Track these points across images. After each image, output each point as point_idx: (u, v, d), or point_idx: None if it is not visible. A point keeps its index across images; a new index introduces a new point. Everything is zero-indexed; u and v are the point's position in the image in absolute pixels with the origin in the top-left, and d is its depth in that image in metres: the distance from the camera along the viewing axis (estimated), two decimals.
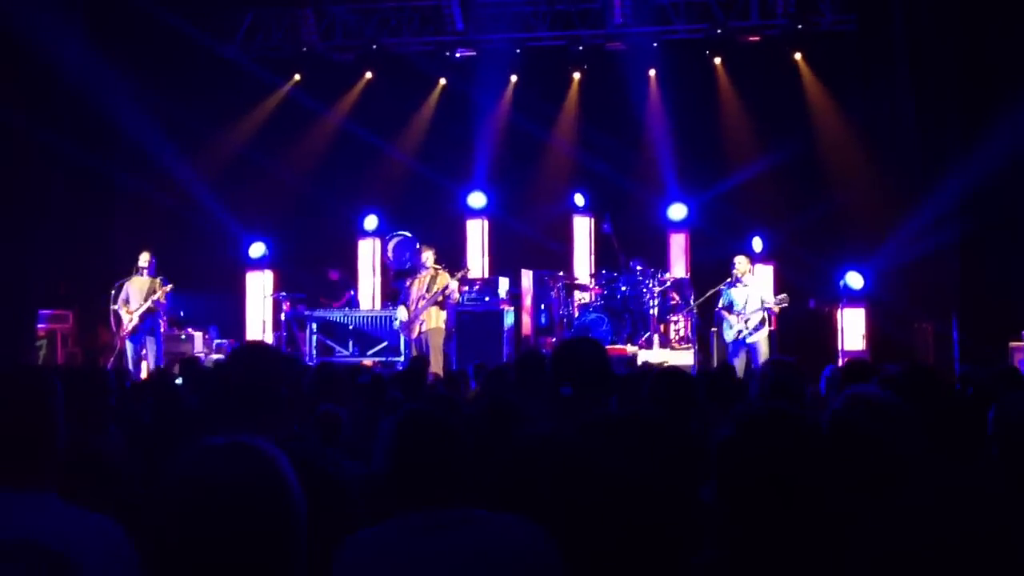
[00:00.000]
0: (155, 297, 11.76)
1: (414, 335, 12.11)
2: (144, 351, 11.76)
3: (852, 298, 13.23)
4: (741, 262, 11.92)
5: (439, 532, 2.49)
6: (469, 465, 2.63)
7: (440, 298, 12.06)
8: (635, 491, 2.47)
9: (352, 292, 14.94)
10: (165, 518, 1.71)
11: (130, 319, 11.77)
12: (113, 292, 11.96)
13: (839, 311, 13.25)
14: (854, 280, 13.19)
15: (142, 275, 11.89)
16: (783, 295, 11.96)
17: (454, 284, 12.18)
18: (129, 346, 11.86)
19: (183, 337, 13.37)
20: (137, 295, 11.86)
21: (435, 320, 12.08)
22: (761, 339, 11.62)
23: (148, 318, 11.82)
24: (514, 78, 16.13)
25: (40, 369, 2.64)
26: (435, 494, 2.56)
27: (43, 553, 2.17)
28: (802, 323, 13.35)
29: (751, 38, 15.15)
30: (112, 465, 3.46)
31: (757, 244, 13.93)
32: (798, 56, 15.18)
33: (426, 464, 2.58)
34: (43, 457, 2.37)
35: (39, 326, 13.31)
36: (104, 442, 3.80)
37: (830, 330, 13.30)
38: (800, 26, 14.64)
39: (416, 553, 2.46)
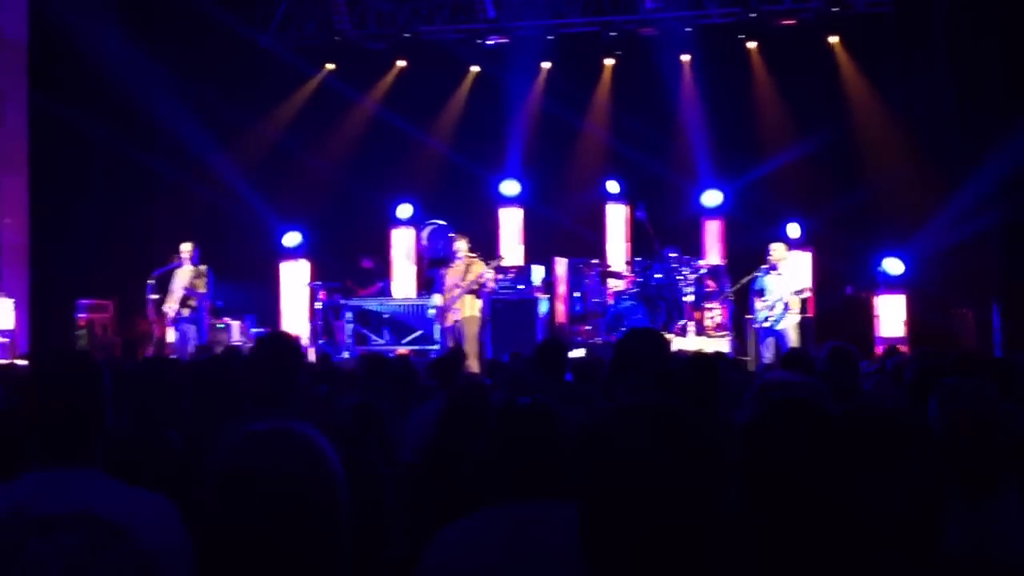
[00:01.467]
0: (194, 288, 11.86)
1: (449, 324, 12.11)
2: (188, 341, 11.87)
3: (890, 284, 13.10)
4: (777, 249, 11.80)
5: (531, 525, 2.49)
6: (566, 458, 2.62)
7: (475, 287, 12.05)
8: (659, 479, 2.45)
9: (385, 281, 14.99)
10: (210, 503, 1.73)
11: (172, 307, 11.89)
12: (153, 282, 12.07)
13: (877, 297, 13.12)
14: (893, 266, 13.05)
15: (185, 265, 12.00)
16: (804, 287, 11.74)
17: (490, 273, 12.16)
18: (174, 335, 11.99)
19: (220, 326, 13.48)
20: (179, 285, 11.98)
21: (470, 308, 12.06)
22: (790, 326, 11.45)
23: (187, 304, 11.93)
24: (547, 65, 16.08)
25: (87, 352, 2.74)
26: (533, 486, 2.56)
27: (101, 523, 2.23)
28: (839, 310, 13.24)
29: (785, 21, 15.00)
30: (174, 457, 3.54)
31: (794, 230, 13.81)
32: (834, 39, 15.02)
33: (527, 456, 2.57)
34: (93, 436, 2.47)
35: (79, 316, 13.49)
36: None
37: (868, 317, 13.18)
38: (835, 9, 14.48)
39: (507, 545, 2.46)
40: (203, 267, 12.02)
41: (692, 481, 2.14)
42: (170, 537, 2.30)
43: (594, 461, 2.28)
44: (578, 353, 11.57)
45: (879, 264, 13.19)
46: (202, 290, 11.93)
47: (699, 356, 4.43)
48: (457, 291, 11.99)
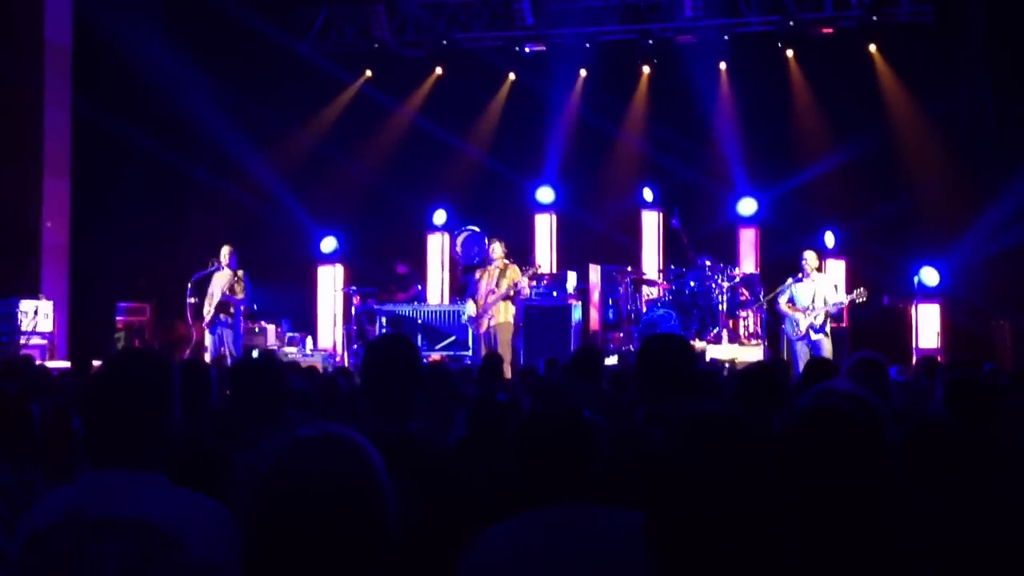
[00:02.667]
0: (233, 294, 11.98)
1: (483, 329, 12.14)
2: (223, 344, 11.97)
3: (927, 294, 12.98)
4: (811, 257, 11.77)
5: (567, 529, 2.52)
6: (596, 462, 2.66)
7: (511, 293, 12.08)
8: (723, 493, 2.47)
9: (419, 286, 15.06)
10: (257, 508, 1.71)
11: (209, 311, 12.01)
12: (191, 285, 12.21)
13: (913, 307, 13.01)
14: (929, 276, 12.93)
15: (222, 269, 12.11)
16: (860, 289, 11.73)
17: (524, 281, 12.19)
18: (209, 338, 12.10)
19: (256, 330, 13.60)
20: (217, 289, 12.10)
21: (504, 315, 12.09)
22: (823, 336, 11.44)
23: (224, 309, 12.04)
24: (583, 72, 16.10)
25: (159, 353, 2.72)
26: (564, 491, 2.60)
27: (154, 531, 2.26)
28: (876, 320, 13.13)
29: (824, 30, 14.94)
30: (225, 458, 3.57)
31: (829, 239, 13.74)
32: (873, 48, 14.93)
33: (557, 462, 2.61)
34: (157, 440, 2.45)
35: (118, 318, 13.66)
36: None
37: (904, 327, 13.07)
38: (875, 17, 14.41)
39: (545, 549, 2.49)
40: (240, 272, 12.12)
41: (757, 493, 2.16)
42: (224, 547, 2.29)
43: (669, 474, 2.31)
44: (611, 360, 11.59)
45: (916, 273, 13.08)
46: (240, 295, 12.03)
47: (760, 364, 4.42)
48: (492, 297, 12.02)
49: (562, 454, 2.62)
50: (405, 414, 3.10)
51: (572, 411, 2.73)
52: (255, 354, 10.81)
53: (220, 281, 12.09)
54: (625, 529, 2.48)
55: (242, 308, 12.26)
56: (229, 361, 11.59)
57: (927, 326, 12.90)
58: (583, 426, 2.68)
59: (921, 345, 12.70)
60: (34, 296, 12.25)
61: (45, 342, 12.08)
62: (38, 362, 9.67)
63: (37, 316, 11.97)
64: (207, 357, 12.29)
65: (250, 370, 4.00)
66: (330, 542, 1.68)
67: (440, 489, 2.90)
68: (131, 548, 2.25)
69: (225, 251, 12.15)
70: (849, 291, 11.98)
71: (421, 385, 3.23)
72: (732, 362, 10.95)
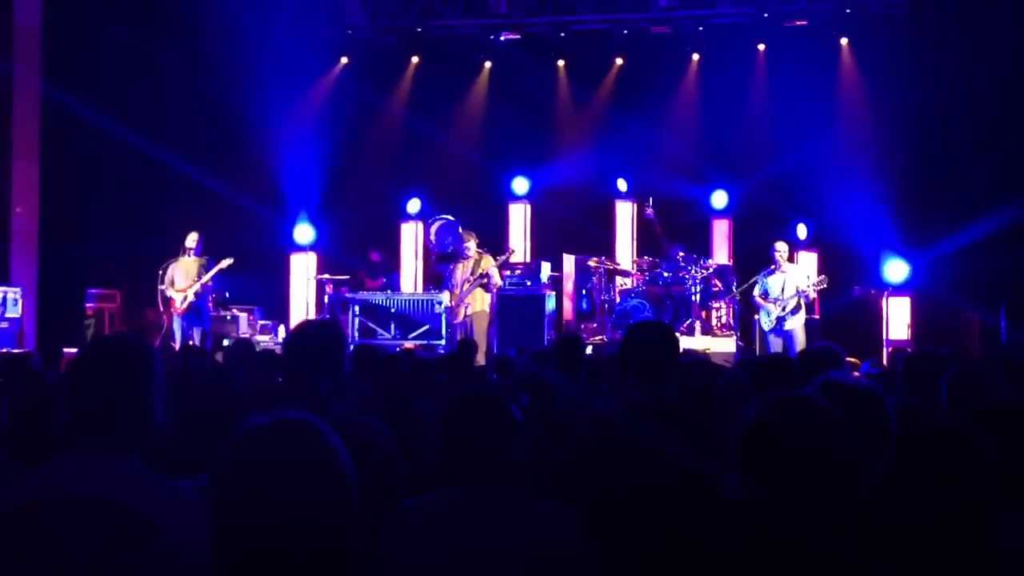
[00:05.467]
0: (213, 271, 11.93)
1: (459, 319, 12.16)
2: (192, 331, 11.91)
3: (897, 286, 13.09)
4: (782, 248, 11.86)
5: (477, 510, 2.58)
6: (518, 449, 2.68)
7: (484, 280, 12.11)
8: (673, 476, 2.50)
9: (393, 274, 15.00)
10: (220, 500, 1.72)
11: (183, 298, 11.92)
12: (161, 272, 12.12)
13: (884, 299, 13.12)
14: (897, 270, 13.03)
15: (188, 255, 12.03)
16: (822, 276, 11.90)
17: (494, 271, 12.23)
18: (178, 325, 12.03)
19: (228, 317, 13.52)
20: (183, 275, 12.01)
21: (480, 303, 12.13)
22: (797, 326, 11.55)
23: (196, 298, 11.98)
24: (560, 63, 16.09)
25: (142, 339, 2.68)
26: (482, 475, 2.65)
27: (129, 513, 2.24)
28: (847, 311, 13.23)
29: (798, 22, 14.99)
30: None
31: (802, 231, 13.83)
32: (844, 41, 15.01)
33: (476, 445, 2.67)
34: (136, 425, 2.44)
35: (87, 305, 13.54)
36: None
37: (875, 318, 13.18)
38: (848, 10, 14.47)
39: (452, 527, 2.56)
40: (204, 259, 12.07)
41: (699, 478, 2.17)
42: (193, 530, 2.27)
43: (601, 457, 2.33)
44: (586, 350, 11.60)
45: (886, 266, 13.18)
46: (208, 283, 11.98)
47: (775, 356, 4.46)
48: (467, 286, 12.06)
49: (484, 438, 2.67)
50: (325, 399, 3.11)
51: (495, 397, 2.78)
52: (225, 343, 10.80)
53: (184, 268, 12.01)
54: (534, 518, 2.57)
55: (223, 295, 12.21)
56: (199, 340, 11.55)
57: (898, 318, 13.01)
58: (506, 413, 2.72)
59: (891, 337, 12.81)
60: (3, 282, 12.11)
61: (4, 325, 11.92)
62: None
63: (5, 302, 11.83)
64: (175, 345, 12.24)
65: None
66: (292, 528, 1.67)
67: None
68: (103, 530, 2.23)
69: (192, 237, 12.09)
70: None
71: (341, 371, 3.23)
72: (704, 353, 10.99)
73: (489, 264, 12.16)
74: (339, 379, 3.21)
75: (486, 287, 12.26)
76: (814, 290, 11.77)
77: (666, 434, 2.66)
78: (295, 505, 1.68)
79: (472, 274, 12.14)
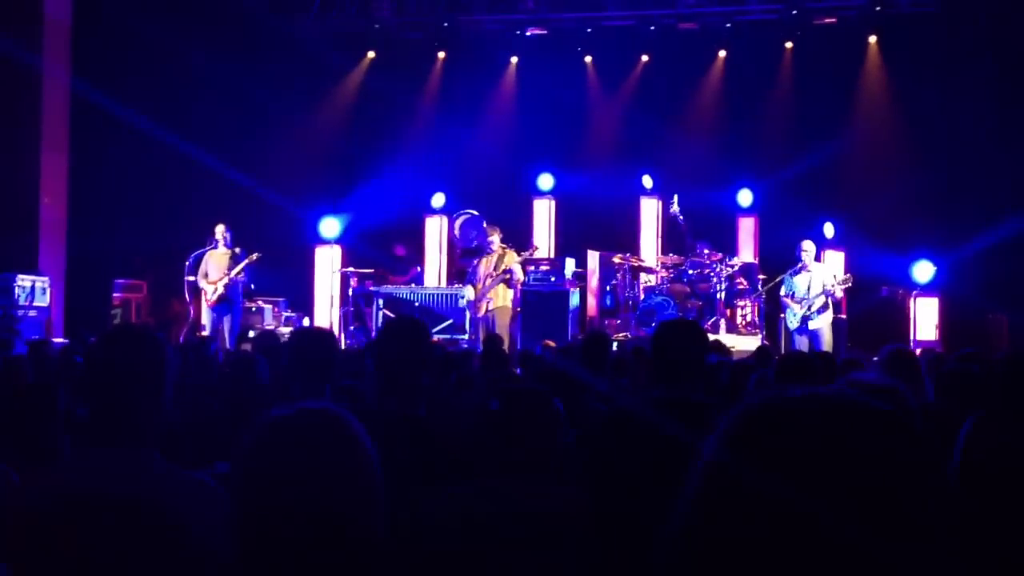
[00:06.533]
0: (242, 265, 11.99)
1: (481, 314, 12.16)
2: (223, 322, 11.97)
3: (925, 287, 12.99)
4: (809, 247, 11.78)
5: (491, 496, 2.64)
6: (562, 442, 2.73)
7: (506, 276, 12.11)
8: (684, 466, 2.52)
9: (418, 269, 15.03)
10: (244, 488, 1.71)
11: (215, 290, 11.99)
12: (189, 263, 12.18)
13: (912, 300, 13.02)
14: (923, 270, 12.93)
15: (218, 247, 12.09)
16: (847, 275, 11.79)
17: (518, 266, 12.24)
18: (212, 316, 12.09)
19: (253, 309, 13.58)
20: (215, 267, 12.07)
21: (502, 299, 12.12)
22: (824, 325, 11.45)
23: (228, 290, 12.03)
24: (588, 59, 16.05)
25: (155, 331, 2.67)
26: (526, 464, 2.72)
27: (150, 509, 2.24)
28: (874, 311, 13.14)
29: (827, 20, 14.90)
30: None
31: (828, 230, 13.73)
32: (872, 39, 14.90)
33: (522, 437, 2.73)
34: (151, 417, 2.41)
35: (114, 295, 13.64)
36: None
37: (902, 319, 13.08)
38: (878, 8, 14.36)
39: (468, 514, 2.62)
40: (237, 250, 12.11)
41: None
42: (217, 524, 2.25)
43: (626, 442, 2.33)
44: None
45: (914, 266, 13.09)
46: (240, 276, 12.04)
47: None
48: (489, 281, 12.07)
49: (532, 430, 2.73)
50: (415, 397, 3.11)
51: (543, 392, 2.85)
52: (251, 334, 10.84)
53: (217, 260, 12.07)
54: (544, 502, 2.65)
55: (248, 287, 12.26)
56: (228, 341, 11.61)
57: (925, 319, 12.91)
58: (554, 408, 2.78)
59: (919, 338, 12.71)
60: (32, 272, 12.21)
61: (33, 314, 12.02)
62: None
63: (34, 291, 11.93)
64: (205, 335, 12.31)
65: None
66: (317, 518, 1.66)
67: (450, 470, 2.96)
68: (126, 527, 2.22)
69: (220, 229, 12.14)
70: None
71: (430, 369, 3.25)
72: (729, 350, 10.93)
73: (512, 260, 12.16)
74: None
75: (508, 283, 12.26)
76: (840, 288, 11.69)
77: (682, 427, 2.69)
78: (319, 493, 1.67)
79: (495, 269, 12.13)
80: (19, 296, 11.73)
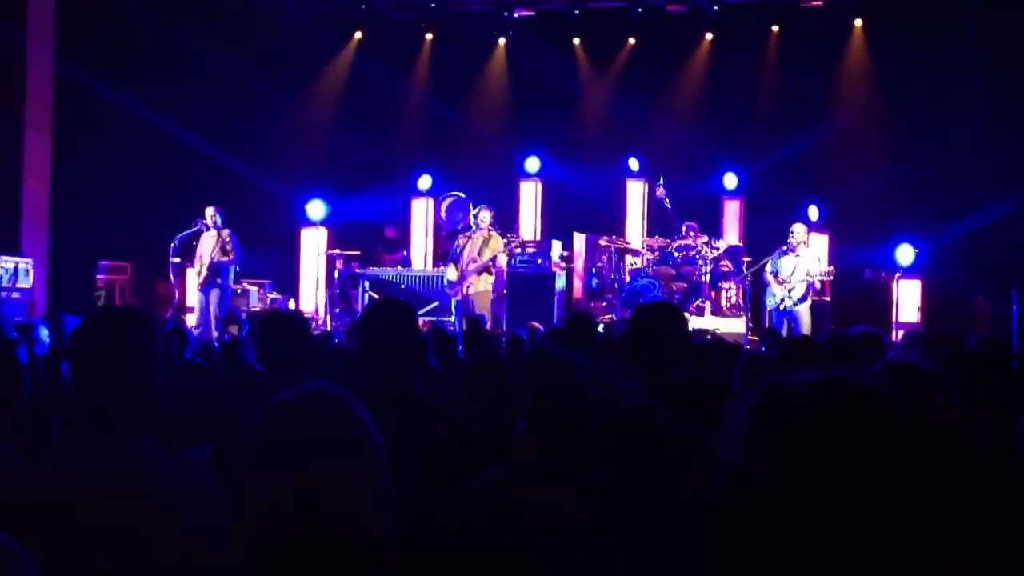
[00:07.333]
0: (223, 260, 11.94)
1: (460, 296, 12.16)
2: (210, 306, 11.94)
3: (908, 269, 13.06)
4: (799, 230, 11.82)
5: (517, 486, 2.67)
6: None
7: (490, 266, 12.13)
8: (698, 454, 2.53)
9: (405, 252, 15.02)
10: (252, 474, 1.69)
11: (202, 273, 11.96)
12: (174, 245, 12.14)
13: (895, 282, 13.09)
14: (905, 254, 13.00)
15: (209, 230, 12.05)
16: (830, 268, 11.86)
17: (503, 257, 12.25)
18: (200, 298, 12.05)
19: (239, 291, 13.54)
20: (207, 251, 12.03)
21: (483, 284, 12.12)
22: (803, 309, 11.55)
23: (214, 272, 11.99)
24: (576, 41, 16.02)
25: (139, 311, 2.61)
26: (564, 456, 2.78)
27: (148, 498, 2.21)
28: (857, 294, 13.21)
29: (814, 3, 14.90)
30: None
31: (813, 213, 13.79)
32: (858, 23, 14.92)
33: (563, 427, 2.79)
34: (141, 402, 2.36)
35: (99, 277, 13.58)
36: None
37: (886, 301, 13.15)
38: None
39: (496, 502, 2.66)
40: (227, 232, 12.05)
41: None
42: (207, 505, 2.26)
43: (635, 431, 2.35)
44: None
45: (897, 249, 13.16)
46: (230, 257, 11.99)
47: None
48: (473, 266, 12.05)
49: (568, 420, 2.78)
50: (405, 378, 3.10)
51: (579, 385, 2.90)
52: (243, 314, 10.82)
53: (208, 243, 12.03)
54: (569, 490, 2.68)
55: (234, 269, 12.21)
56: (213, 323, 11.58)
57: (908, 301, 12.99)
58: (591, 397, 2.84)
59: (901, 319, 12.80)
60: (15, 253, 12.14)
61: (17, 296, 11.95)
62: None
63: (17, 273, 11.87)
64: (191, 318, 12.29)
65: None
66: (327, 496, 1.65)
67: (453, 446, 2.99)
68: (122, 516, 2.19)
69: (210, 212, 12.08)
70: (829, 265, 12.09)
71: (419, 351, 3.26)
72: (714, 333, 10.99)
73: (498, 247, 12.17)
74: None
75: (490, 270, 12.26)
76: (820, 280, 11.74)
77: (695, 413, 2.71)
78: (328, 477, 1.66)
79: (480, 252, 12.12)
80: (2, 278, 11.68)
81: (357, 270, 14.07)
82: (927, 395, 2.63)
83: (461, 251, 12.32)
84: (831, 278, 11.83)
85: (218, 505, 2.24)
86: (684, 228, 13.57)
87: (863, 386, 1.22)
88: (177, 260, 12.19)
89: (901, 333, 12.05)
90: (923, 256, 13.07)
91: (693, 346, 4.80)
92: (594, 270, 14.26)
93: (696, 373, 3.96)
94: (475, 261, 12.07)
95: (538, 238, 14.72)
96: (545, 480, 2.72)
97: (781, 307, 11.57)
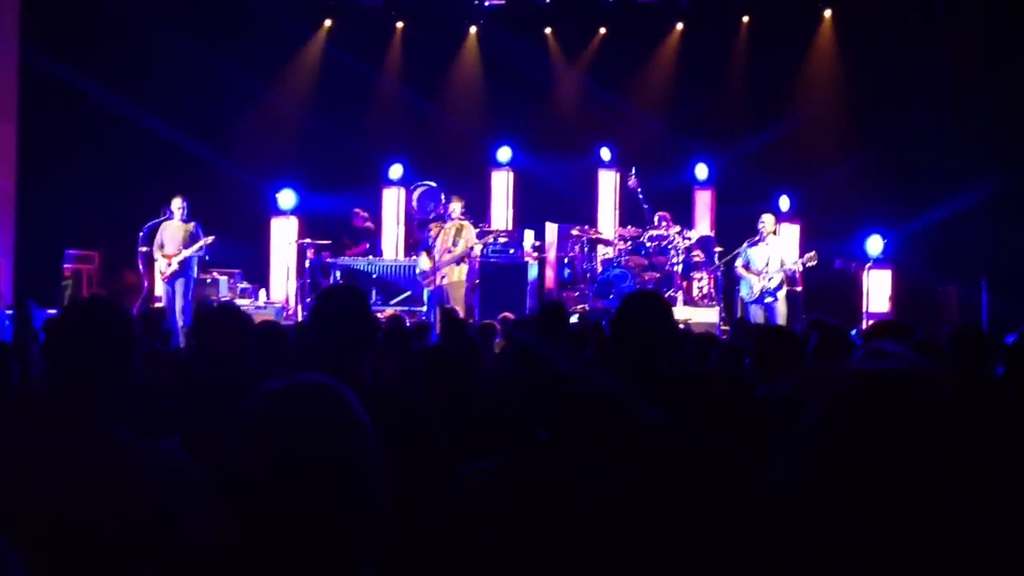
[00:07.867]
0: (198, 246, 11.84)
1: (433, 286, 12.12)
2: (176, 296, 11.84)
3: (879, 259, 13.16)
4: (768, 220, 11.89)
5: (527, 476, 2.65)
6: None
7: (465, 256, 12.11)
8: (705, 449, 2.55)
9: (367, 244, 14.90)
10: (240, 460, 1.69)
11: (168, 264, 11.85)
12: (142, 234, 12.01)
13: (865, 272, 13.18)
14: (875, 244, 13.09)
15: (173, 219, 11.94)
16: (811, 253, 11.90)
17: (477, 248, 12.25)
18: (166, 289, 11.95)
19: (208, 281, 13.43)
20: (171, 240, 11.91)
21: (457, 274, 12.08)
22: (780, 299, 11.62)
23: (181, 267, 11.90)
24: (547, 30, 15.98)
25: (115, 302, 2.58)
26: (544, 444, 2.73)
27: (119, 486, 2.19)
28: (827, 283, 13.29)
29: None
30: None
31: (784, 203, 13.85)
32: (827, 13, 14.98)
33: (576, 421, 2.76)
34: (118, 392, 2.35)
35: (66, 266, 13.42)
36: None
37: (855, 291, 13.25)
38: None
39: (507, 493, 2.63)
40: (191, 224, 11.95)
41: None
42: (188, 495, 2.25)
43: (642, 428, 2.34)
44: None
45: (868, 239, 13.24)
46: (195, 250, 11.90)
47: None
48: (447, 257, 12.01)
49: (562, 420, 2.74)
50: (357, 365, 3.07)
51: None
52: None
53: (172, 232, 11.91)
54: (583, 483, 2.66)
55: (201, 259, 12.12)
56: (183, 318, 11.49)
57: (878, 291, 13.08)
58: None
59: (871, 309, 12.89)
60: None
61: None
62: None
63: None
64: (158, 307, 12.17)
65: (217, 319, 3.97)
66: (317, 485, 1.65)
67: (406, 434, 2.93)
68: (104, 508, 2.18)
69: (177, 202, 11.97)
70: (802, 255, 12.13)
71: (371, 338, 3.21)
72: (686, 323, 11.02)
73: (470, 237, 12.14)
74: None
75: (465, 260, 12.23)
76: (802, 266, 11.80)
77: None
78: (317, 464, 1.66)
79: (453, 243, 12.08)
80: None
81: (328, 260, 13.98)
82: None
83: (433, 241, 12.27)
84: (815, 263, 11.87)
85: (198, 494, 2.25)
86: (657, 218, 13.61)
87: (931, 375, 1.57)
88: (145, 249, 12.08)
89: (871, 322, 12.16)
90: (893, 246, 13.16)
91: (675, 337, 4.78)
92: (566, 260, 14.26)
93: (676, 364, 3.96)
94: (449, 251, 12.03)
95: (510, 228, 14.69)
96: (544, 473, 2.69)
97: (765, 300, 11.60)
